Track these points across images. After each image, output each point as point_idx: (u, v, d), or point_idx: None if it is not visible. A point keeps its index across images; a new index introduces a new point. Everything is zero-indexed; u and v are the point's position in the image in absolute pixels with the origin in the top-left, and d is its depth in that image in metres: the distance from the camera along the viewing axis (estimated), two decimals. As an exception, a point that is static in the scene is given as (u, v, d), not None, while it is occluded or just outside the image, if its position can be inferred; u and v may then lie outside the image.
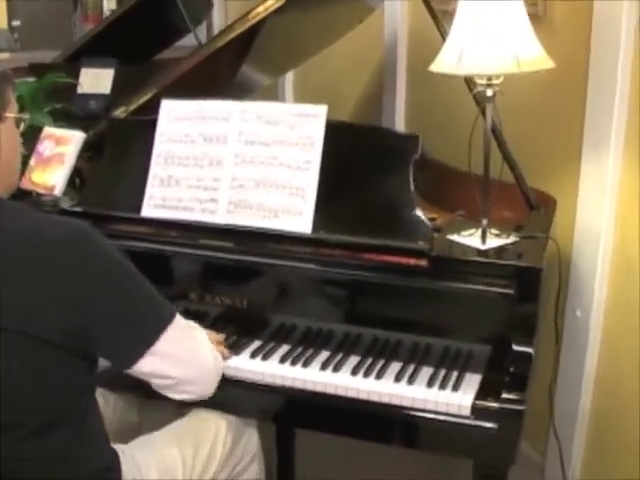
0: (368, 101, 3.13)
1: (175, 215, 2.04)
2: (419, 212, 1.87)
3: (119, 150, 2.17)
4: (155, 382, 1.57)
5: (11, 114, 1.55)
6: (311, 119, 1.97)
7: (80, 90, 3.32)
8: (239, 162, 2.01)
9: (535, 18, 2.02)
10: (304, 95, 3.52)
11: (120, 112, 2.40)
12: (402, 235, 1.86)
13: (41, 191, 2.21)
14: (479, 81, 1.79)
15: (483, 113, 1.83)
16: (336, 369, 1.84)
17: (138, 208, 2.08)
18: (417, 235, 1.85)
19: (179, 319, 1.54)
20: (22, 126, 1.60)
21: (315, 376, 1.82)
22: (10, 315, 1.38)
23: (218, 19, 4.05)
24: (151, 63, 3.67)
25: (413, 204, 1.88)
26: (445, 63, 1.78)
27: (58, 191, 2.19)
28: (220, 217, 2.00)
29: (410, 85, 2.97)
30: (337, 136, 1.97)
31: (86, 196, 2.17)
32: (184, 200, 2.04)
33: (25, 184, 2.23)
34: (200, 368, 1.60)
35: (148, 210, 2.07)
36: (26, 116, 1.63)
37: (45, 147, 2.25)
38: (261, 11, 2.36)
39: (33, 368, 1.42)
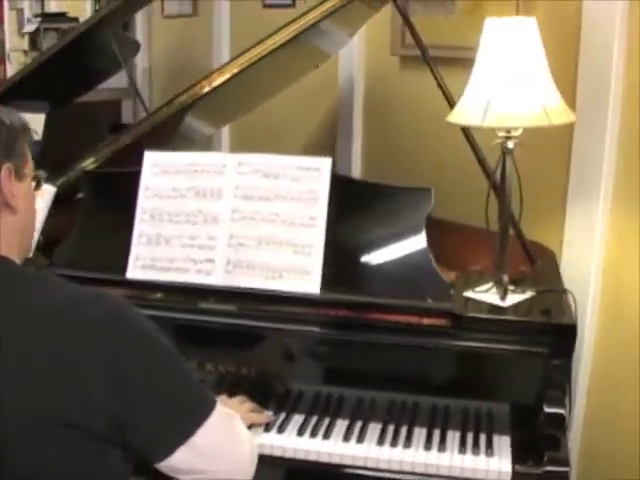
0: (318, 148, 3.04)
1: (167, 277, 1.87)
2: (437, 268, 1.80)
3: (97, 205, 1.99)
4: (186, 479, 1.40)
5: (29, 171, 1.36)
6: (314, 173, 1.87)
7: None
8: (237, 218, 1.87)
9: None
10: (242, 143, 3.40)
11: (89, 163, 2.21)
12: (421, 294, 1.78)
13: (4, 253, 1.98)
14: (499, 133, 1.74)
15: (503, 165, 1.78)
16: (360, 439, 1.72)
17: (122, 269, 1.90)
18: (437, 293, 1.77)
19: (220, 407, 1.37)
20: (41, 184, 1.41)
21: (340, 448, 1.70)
22: (36, 398, 1.20)
23: (142, 61, 3.89)
24: (76, 107, 3.46)
25: (429, 260, 1.80)
26: (468, 115, 1.72)
27: (30, 252, 1.96)
28: (217, 278, 1.85)
29: (367, 131, 2.91)
30: (343, 191, 1.87)
31: (60, 256, 1.97)
32: (176, 260, 1.88)
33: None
34: (238, 462, 1.43)
35: (135, 272, 1.89)
36: (44, 174, 1.44)
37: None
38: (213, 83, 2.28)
39: (63, 456, 1.23)
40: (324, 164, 1.87)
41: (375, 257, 1.84)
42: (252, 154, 1.91)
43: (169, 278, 1.87)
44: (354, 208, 1.89)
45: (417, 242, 1.81)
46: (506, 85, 1.67)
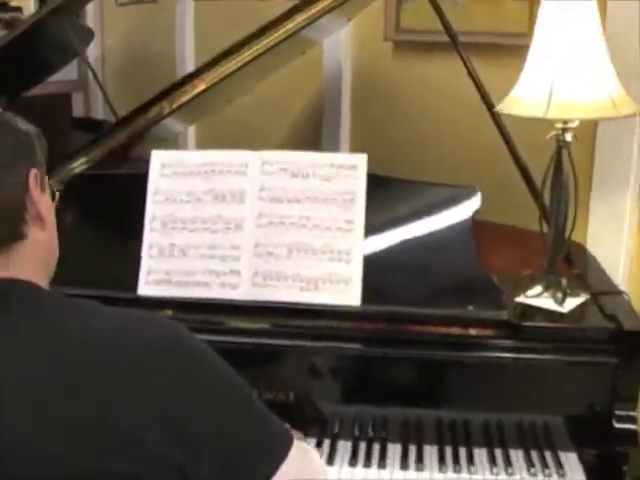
0: (299, 141, 2.84)
1: (185, 292, 1.66)
2: (488, 274, 1.64)
3: (94, 213, 1.75)
4: None
5: (48, 182, 1.15)
6: (349, 171, 1.68)
7: None
8: (264, 224, 1.67)
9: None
10: (212, 138, 3.16)
11: (79, 165, 1.96)
12: (475, 303, 1.61)
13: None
14: (556, 124, 1.59)
15: (558, 159, 1.63)
16: (420, 466, 1.55)
17: (132, 286, 1.67)
18: (493, 302, 1.62)
19: (298, 443, 1.18)
20: (56, 196, 1.19)
21: (400, 477, 1.52)
22: (73, 453, 0.98)
23: (93, 51, 3.60)
24: (26, 100, 3.17)
25: (480, 265, 1.64)
26: (528, 106, 1.56)
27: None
28: (244, 292, 1.65)
29: (356, 121, 2.73)
30: (380, 190, 1.69)
31: (59, 273, 1.72)
32: (195, 273, 1.66)
33: None
34: None
35: (147, 287, 1.66)
36: (60, 187, 1.22)
37: None
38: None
39: None
40: (360, 161, 1.68)
41: (417, 263, 1.67)
42: (276, 151, 1.71)
43: (188, 294, 1.65)
44: (389, 208, 1.72)
45: (464, 245, 1.65)
46: (570, 73, 1.51)
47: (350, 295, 1.63)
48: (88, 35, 3.33)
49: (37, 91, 3.35)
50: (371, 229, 1.66)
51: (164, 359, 1.05)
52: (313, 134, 2.81)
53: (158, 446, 1.00)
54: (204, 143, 3.20)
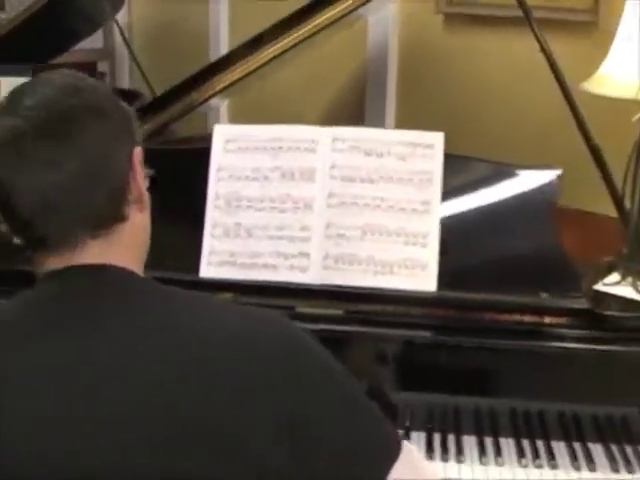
0: (339, 117, 2.75)
1: (251, 275, 1.58)
2: (570, 260, 1.57)
3: (151, 190, 1.66)
4: None
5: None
6: (425, 149, 1.60)
7: None
8: (335, 204, 1.59)
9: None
10: (244, 113, 3.06)
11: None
12: (555, 290, 1.54)
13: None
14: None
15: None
16: (499, 460, 1.48)
17: (192, 267, 1.59)
18: (574, 289, 1.55)
19: (406, 445, 1.10)
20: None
21: (481, 472, 1.46)
22: (175, 461, 0.91)
23: (122, 18, 3.49)
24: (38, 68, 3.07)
25: (561, 252, 1.57)
26: (618, 86, 1.48)
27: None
28: (314, 276, 1.57)
29: (402, 97, 2.64)
30: (457, 170, 1.62)
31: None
32: (262, 255, 1.59)
33: None
34: None
35: (210, 269, 1.59)
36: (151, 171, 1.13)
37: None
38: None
39: None
40: (437, 139, 1.60)
41: (495, 248, 1.60)
42: (347, 128, 1.63)
43: (253, 276, 1.58)
44: (466, 190, 1.64)
45: (546, 230, 1.58)
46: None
47: (426, 280, 1.56)
48: (118, 1, 3.23)
49: (62, 60, 3.26)
50: (446, 211, 1.59)
51: (286, 360, 0.97)
52: (355, 109, 2.71)
53: (261, 449, 0.92)
54: (238, 117, 3.10)
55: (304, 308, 1.56)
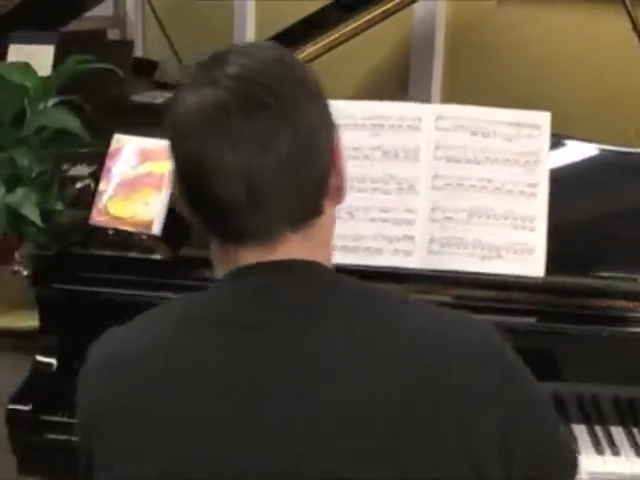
0: (382, 93, 2.67)
1: (354, 259, 1.51)
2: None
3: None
4: None
5: None
6: (531, 130, 1.54)
7: None
8: (440, 186, 1.52)
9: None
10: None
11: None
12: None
13: (129, 229, 1.55)
14: None
15: None
16: (615, 451, 1.45)
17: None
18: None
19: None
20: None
21: (599, 464, 1.43)
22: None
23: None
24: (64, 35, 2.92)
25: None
26: None
27: (157, 229, 1.55)
28: (419, 260, 1.51)
29: (450, 77, 2.57)
30: (561, 150, 1.57)
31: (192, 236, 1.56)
32: (365, 238, 1.52)
33: (99, 219, 1.56)
34: None
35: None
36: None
37: (123, 164, 1.59)
38: None
39: None
40: (543, 119, 1.55)
41: (605, 232, 1.55)
42: (452, 105, 1.56)
43: (357, 261, 1.51)
44: (573, 172, 1.59)
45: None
46: None
47: (534, 265, 1.51)
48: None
49: (70, 27, 3.13)
50: (554, 193, 1.54)
51: (493, 371, 0.88)
52: (398, 85, 2.64)
53: (490, 463, 0.84)
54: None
55: (409, 294, 1.50)
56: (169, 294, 1.50)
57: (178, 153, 0.87)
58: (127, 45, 2.70)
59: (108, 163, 1.59)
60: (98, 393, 0.86)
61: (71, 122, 1.80)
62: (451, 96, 2.55)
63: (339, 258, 1.50)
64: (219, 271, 0.92)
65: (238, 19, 3.06)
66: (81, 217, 1.67)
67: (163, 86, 2.93)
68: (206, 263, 1.48)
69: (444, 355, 0.86)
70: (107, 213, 1.56)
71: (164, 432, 0.80)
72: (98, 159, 2.30)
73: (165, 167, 1.56)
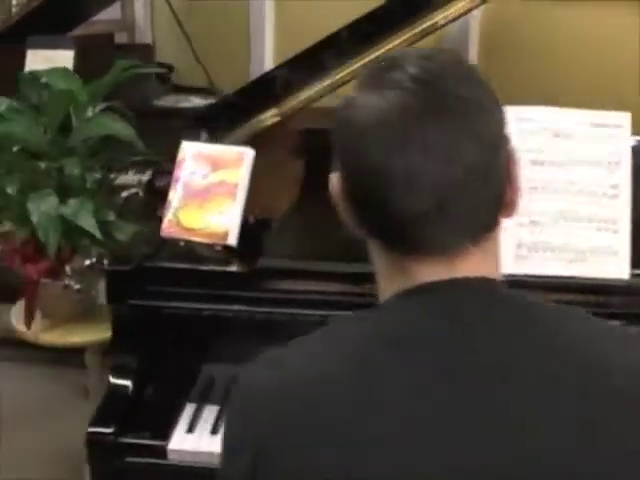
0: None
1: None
2: None
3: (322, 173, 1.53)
4: None
5: None
6: (613, 130, 1.52)
7: None
8: (525, 189, 1.48)
9: None
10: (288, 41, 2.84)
11: (270, 117, 1.71)
12: None
13: (204, 240, 1.50)
14: None
15: None
16: None
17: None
18: None
19: None
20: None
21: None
22: None
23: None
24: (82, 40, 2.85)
25: None
26: None
27: (233, 240, 1.49)
28: (507, 265, 1.46)
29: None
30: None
31: (276, 244, 1.50)
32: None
33: (171, 230, 1.50)
34: None
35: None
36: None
37: (193, 173, 1.53)
38: None
39: None
40: (624, 120, 1.52)
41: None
42: (532, 107, 1.52)
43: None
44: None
45: None
46: None
47: (618, 268, 1.48)
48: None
49: (78, 32, 3.05)
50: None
51: None
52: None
53: None
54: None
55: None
56: (247, 307, 1.46)
57: (354, 160, 0.81)
58: (148, 49, 2.63)
59: (176, 172, 1.53)
60: (267, 424, 0.79)
61: (124, 130, 1.74)
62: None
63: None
64: (387, 285, 0.86)
65: (254, 20, 3.00)
66: (145, 228, 1.62)
67: (181, 90, 2.89)
68: (283, 274, 1.47)
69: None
70: (179, 224, 1.50)
71: (363, 452, 0.75)
72: (142, 167, 2.25)
73: (238, 175, 1.51)
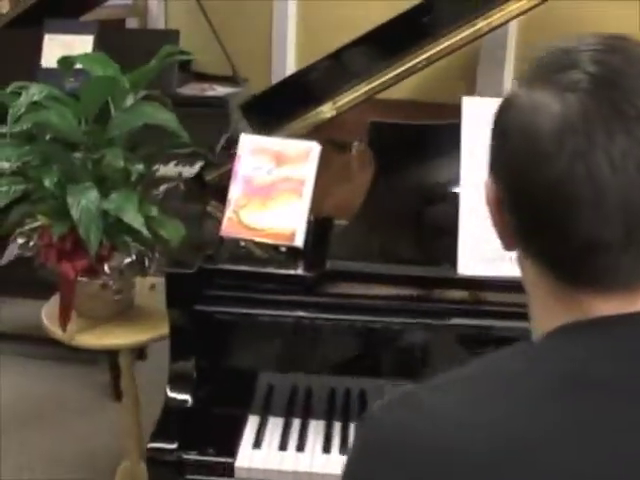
0: (448, 88, 2.53)
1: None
2: None
3: (389, 171, 1.43)
4: None
5: None
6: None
7: (45, 64, 2.37)
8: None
9: None
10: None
11: (327, 111, 1.60)
12: None
13: (268, 241, 1.39)
14: None
15: None
16: None
17: (445, 261, 1.38)
18: None
19: None
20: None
21: None
22: None
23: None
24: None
25: None
26: None
27: (299, 240, 1.39)
28: None
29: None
30: None
31: (344, 246, 1.40)
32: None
33: (232, 230, 1.40)
34: None
35: (470, 265, 1.37)
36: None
37: (255, 167, 1.42)
38: None
39: None
40: None
41: None
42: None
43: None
44: None
45: None
46: None
47: None
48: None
49: (91, 17, 2.92)
50: None
51: None
52: (468, 76, 2.51)
53: None
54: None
55: None
56: (316, 314, 1.36)
57: (529, 171, 0.71)
58: (173, 34, 2.51)
59: (236, 167, 1.42)
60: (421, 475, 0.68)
61: (170, 120, 1.62)
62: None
63: (499, 270, 1.39)
64: (546, 314, 0.76)
65: (277, 16, 2.89)
66: (196, 226, 1.51)
67: (203, 78, 2.77)
68: (354, 277, 1.38)
69: None
70: (240, 223, 1.39)
71: None
72: (181, 158, 2.13)
73: (305, 171, 1.41)
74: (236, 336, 1.34)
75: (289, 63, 2.97)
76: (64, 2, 2.75)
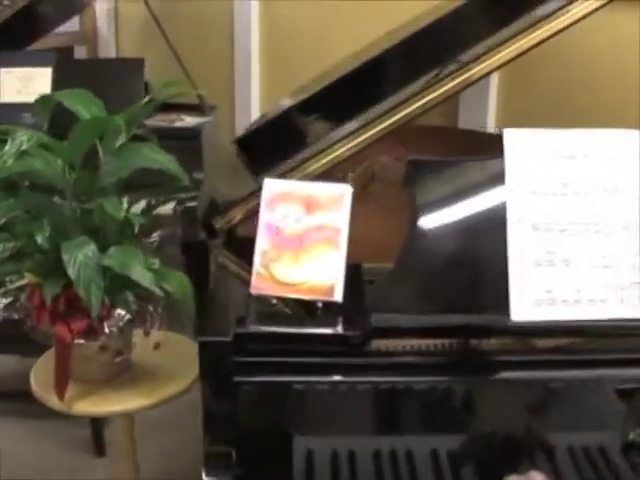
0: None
1: (574, 315, 1.28)
2: None
3: (431, 212, 1.31)
4: None
5: None
6: None
7: (1, 99, 2.20)
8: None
9: None
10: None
11: (342, 152, 1.47)
12: None
13: (304, 297, 1.25)
14: None
15: None
16: None
17: (497, 308, 1.26)
18: None
19: None
20: None
21: None
22: None
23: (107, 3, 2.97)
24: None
25: None
26: None
27: (339, 295, 1.25)
28: (650, 311, 1.30)
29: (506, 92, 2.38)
30: None
31: (385, 298, 1.27)
32: (585, 289, 1.29)
33: (263, 286, 1.26)
34: None
35: (524, 310, 1.26)
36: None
37: (285, 217, 1.28)
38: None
39: None
40: None
41: None
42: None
43: (578, 315, 1.28)
44: None
45: None
46: None
47: None
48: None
49: (38, 46, 2.73)
50: None
51: None
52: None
53: None
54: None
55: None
56: (362, 378, 1.23)
57: None
58: (137, 63, 2.34)
59: (263, 215, 1.29)
60: None
61: (169, 163, 1.47)
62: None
63: (559, 314, 1.29)
64: None
65: (239, 21, 2.76)
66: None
67: (168, 107, 2.60)
68: (403, 333, 1.25)
69: None
70: (272, 279, 1.25)
71: None
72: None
73: (339, 218, 1.28)
74: (280, 406, 1.19)
75: (253, 90, 2.84)
76: (10, 31, 2.57)
